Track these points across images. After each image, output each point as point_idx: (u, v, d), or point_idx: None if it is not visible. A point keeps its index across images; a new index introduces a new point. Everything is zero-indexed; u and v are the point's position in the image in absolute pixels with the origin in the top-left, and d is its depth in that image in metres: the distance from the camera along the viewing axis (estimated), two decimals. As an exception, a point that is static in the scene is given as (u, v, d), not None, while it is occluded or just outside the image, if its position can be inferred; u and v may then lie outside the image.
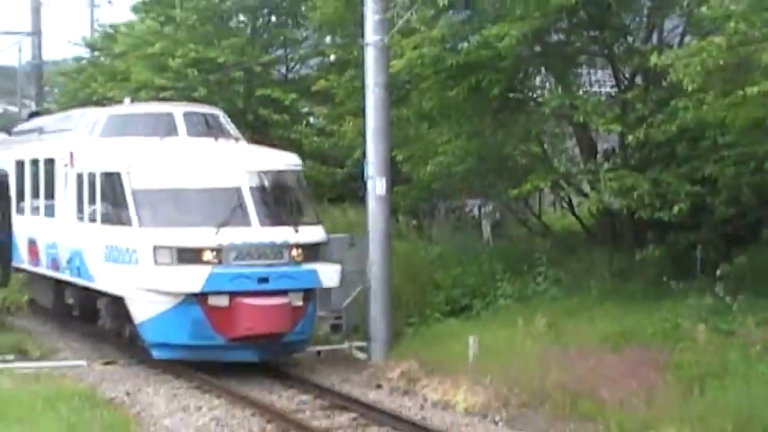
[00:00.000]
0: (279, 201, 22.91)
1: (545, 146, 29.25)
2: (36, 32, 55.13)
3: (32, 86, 56.88)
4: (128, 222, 21.96)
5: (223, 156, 23.61)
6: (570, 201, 30.27)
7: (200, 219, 21.42)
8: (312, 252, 21.93)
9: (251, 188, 22.02)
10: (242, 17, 41.78)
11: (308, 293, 21.85)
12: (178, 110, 25.59)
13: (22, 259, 29.84)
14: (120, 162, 22.71)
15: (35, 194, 29.00)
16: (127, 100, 29.80)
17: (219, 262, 20.92)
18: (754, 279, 22.17)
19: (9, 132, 38.42)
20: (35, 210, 28.79)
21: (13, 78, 62.91)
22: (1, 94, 65.30)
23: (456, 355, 21.05)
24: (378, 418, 18.88)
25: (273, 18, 41.29)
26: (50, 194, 27.28)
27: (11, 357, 23.86)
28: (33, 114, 43.21)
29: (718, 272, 22.68)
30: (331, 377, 22.51)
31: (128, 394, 21.02)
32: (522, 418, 18.27)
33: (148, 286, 21.32)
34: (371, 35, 25.49)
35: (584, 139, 28.39)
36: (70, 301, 26.43)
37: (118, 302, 22.78)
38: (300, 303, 21.63)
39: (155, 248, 21.12)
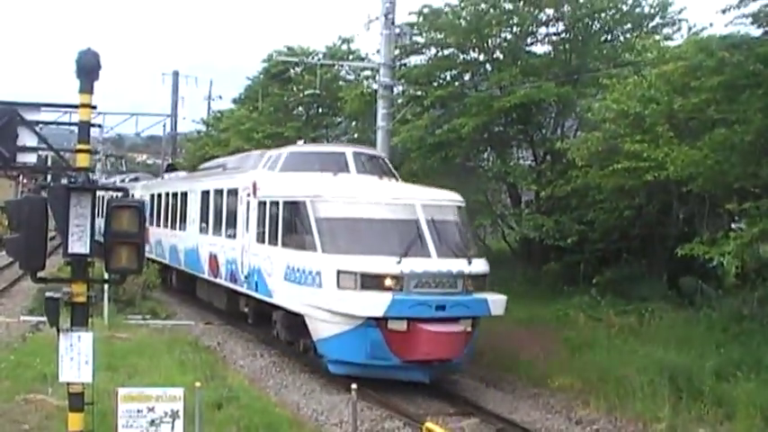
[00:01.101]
0: (450, 233, 17.28)
1: (488, 197, 29.41)
2: (173, 115, 56.09)
3: (170, 148, 58.42)
4: (311, 247, 16.82)
5: (398, 190, 18.46)
6: (503, 232, 30.59)
7: (381, 247, 16.26)
8: (480, 282, 16.68)
9: (427, 221, 16.64)
10: (300, 108, 41.94)
11: (476, 320, 16.56)
12: (349, 150, 20.64)
13: (202, 270, 24.71)
14: (304, 192, 17.72)
15: (217, 218, 23.89)
16: (300, 142, 25.24)
17: (400, 289, 15.68)
18: (615, 286, 22.43)
19: (160, 176, 38.12)
20: (217, 230, 23.65)
21: (158, 143, 64.11)
22: (150, 153, 65.84)
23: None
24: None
25: (320, 109, 41.44)
26: (232, 218, 22.10)
27: (148, 317, 23.99)
28: (170, 166, 43.85)
29: (593, 280, 22.97)
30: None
31: (218, 344, 21.20)
32: (468, 369, 17.96)
33: (330, 307, 16.07)
34: (381, 122, 25.95)
35: (513, 193, 28.88)
36: (245, 309, 21.60)
37: (294, 318, 17.75)
38: (470, 329, 16.27)
39: (338, 273, 15.88)
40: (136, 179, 40.41)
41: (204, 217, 25.10)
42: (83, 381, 8.24)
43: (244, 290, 20.64)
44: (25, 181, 57.47)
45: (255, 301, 20.24)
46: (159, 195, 32.38)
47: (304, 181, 18.67)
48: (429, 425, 8.54)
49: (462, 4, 26.37)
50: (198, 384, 10.60)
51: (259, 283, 19.41)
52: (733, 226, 20.61)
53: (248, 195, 20.58)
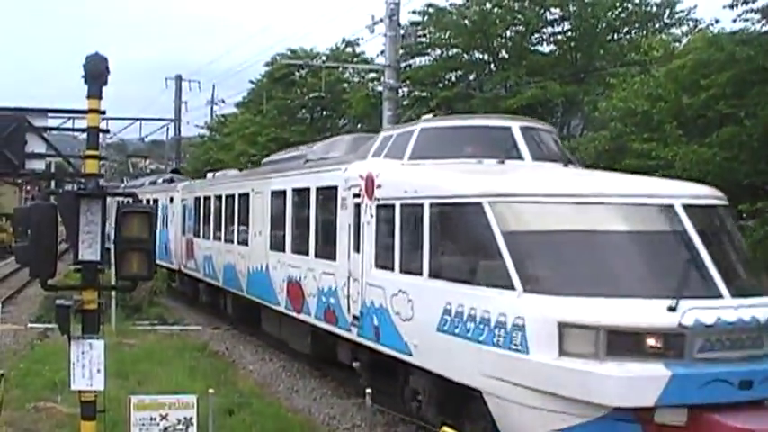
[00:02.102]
0: (729, 252, 10.36)
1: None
2: (177, 120, 56.06)
3: (173, 153, 58.42)
4: (497, 280, 9.83)
5: (642, 183, 11.07)
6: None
7: (633, 282, 9.47)
8: None
9: (698, 232, 9.73)
10: (304, 111, 41.92)
11: None
12: (515, 124, 13.30)
13: (274, 299, 18.07)
14: (475, 188, 10.65)
15: (300, 229, 16.88)
16: (428, 116, 15.31)
17: (679, 355, 8.90)
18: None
19: (172, 180, 35.81)
20: (300, 246, 16.70)
21: (162, 148, 64.10)
22: (153, 158, 65.99)
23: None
24: None
25: (324, 112, 41.41)
26: (326, 230, 15.26)
27: (156, 322, 23.95)
28: (174, 170, 43.52)
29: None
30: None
31: (227, 349, 21.09)
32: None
33: (544, 386, 9.19)
34: (387, 124, 25.80)
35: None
36: (351, 362, 14.65)
37: (456, 391, 10.84)
38: None
39: (561, 328, 9.04)
40: (171, 180, 35.31)
41: (278, 227, 18.31)
42: (95, 389, 8.19)
43: (351, 336, 13.91)
44: (29, 188, 57.52)
45: (371, 353, 13.43)
46: (207, 199, 25.27)
47: (469, 173, 11.82)
48: (446, 429, 8.43)
49: (467, 4, 26.32)
50: (211, 391, 10.54)
51: (383, 329, 12.56)
52: (740, 223, 20.49)
53: (357, 197, 13.70)
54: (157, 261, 27.33)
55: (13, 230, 52.90)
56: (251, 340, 22.14)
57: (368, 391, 11.32)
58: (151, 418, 9.04)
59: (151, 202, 30.56)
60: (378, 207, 13.00)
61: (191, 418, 9.09)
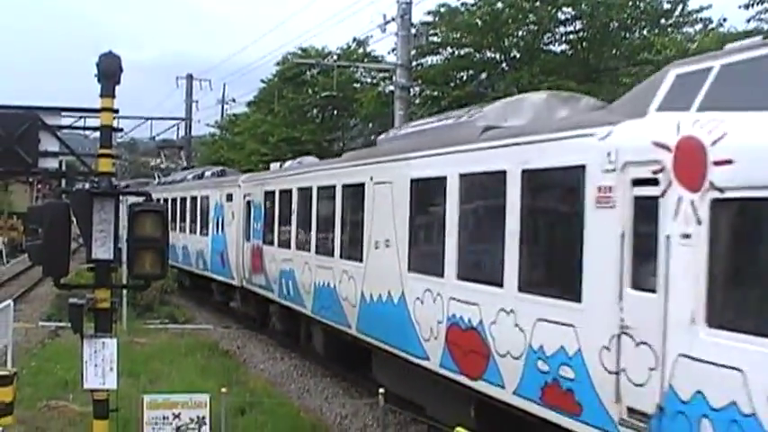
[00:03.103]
0: None
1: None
2: (188, 119, 56.07)
3: (184, 152, 58.48)
4: None
5: None
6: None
7: None
8: None
9: None
10: (315, 111, 41.89)
11: None
12: None
13: (420, 349, 11.95)
14: None
15: (476, 238, 11.24)
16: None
17: None
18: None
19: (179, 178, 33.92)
20: (474, 270, 10.94)
21: (172, 147, 64.50)
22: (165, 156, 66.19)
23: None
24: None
25: (335, 111, 41.37)
26: (555, 246, 9.68)
27: (167, 321, 24.00)
28: (185, 168, 43.30)
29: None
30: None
31: (238, 347, 21.12)
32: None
33: None
34: (398, 123, 25.76)
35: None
36: None
37: None
38: None
39: None
40: (222, 173, 29.17)
41: (428, 236, 12.49)
42: (107, 388, 8.18)
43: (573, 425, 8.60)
44: (39, 186, 57.74)
45: None
46: (286, 193, 18.90)
47: None
48: (460, 429, 8.39)
49: (479, 3, 26.26)
50: (224, 390, 10.53)
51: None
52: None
53: (647, 184, 7.70)
54: (209, 274, 25.35)
55: (23, 229, 53.35)
56: (262, 339, 22.12)
57: (381, 390, 11.28)
58: (164, 417, 9.04)
59: (198, 201, 27.80)
60: (717, 204, 6.91)
61: (203, 418, 9.09)
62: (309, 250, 17.04)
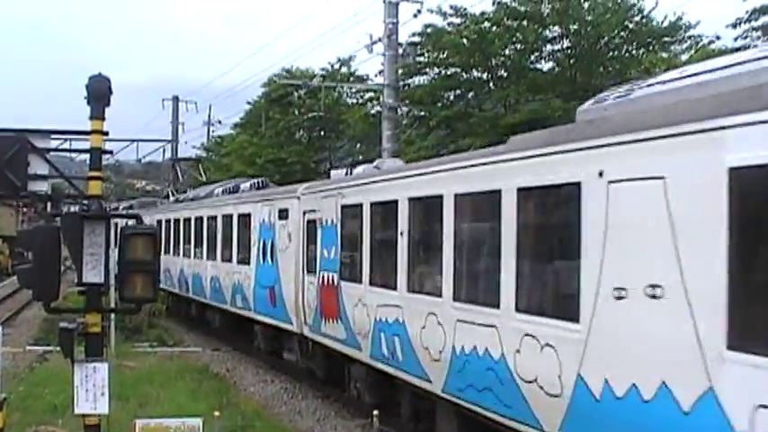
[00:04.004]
0: None
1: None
2: (174, 140, 55.96)
3: (170, 174, 58.31)
4: None
5: None
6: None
7: None
8: None
9: None
10: (302, 132, 41.92)
11: None
12: None
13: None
14: None
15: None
16: None
17: None
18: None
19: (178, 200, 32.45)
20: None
21: (157, 169, 64.20)
22: (149, 179, 65.88)
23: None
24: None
25: (322, 132, 41.39)
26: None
27: (155, 344, 23.86)
28: (172, 192, 43.06)
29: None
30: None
31: (228, 370, 20.97)
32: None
33: None
34: (386, 144, 25.81)
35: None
36: None
37: None
38: None
39: None
40: (263, 184, 24.51)
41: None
42: (99, 412, 8.10)
43: None
44: (25, 210, 57.44)
45: None
46: (388, 206, 13.05)
47: None
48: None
49: (465, 23, 26.32)
50: (217, 414, 10.45)
51: None
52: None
53: None
54: (252, 314, 20.15)
55: (10, 252, 52.96)
56: (251, 362, 22.01)
57: (375, 413, 11.21)
58: (156, 442, 8.94)
59: (234, 220, 22.12)
60: None
61: (196, 442, 8.99)
62: (440, 294, 10.98)
